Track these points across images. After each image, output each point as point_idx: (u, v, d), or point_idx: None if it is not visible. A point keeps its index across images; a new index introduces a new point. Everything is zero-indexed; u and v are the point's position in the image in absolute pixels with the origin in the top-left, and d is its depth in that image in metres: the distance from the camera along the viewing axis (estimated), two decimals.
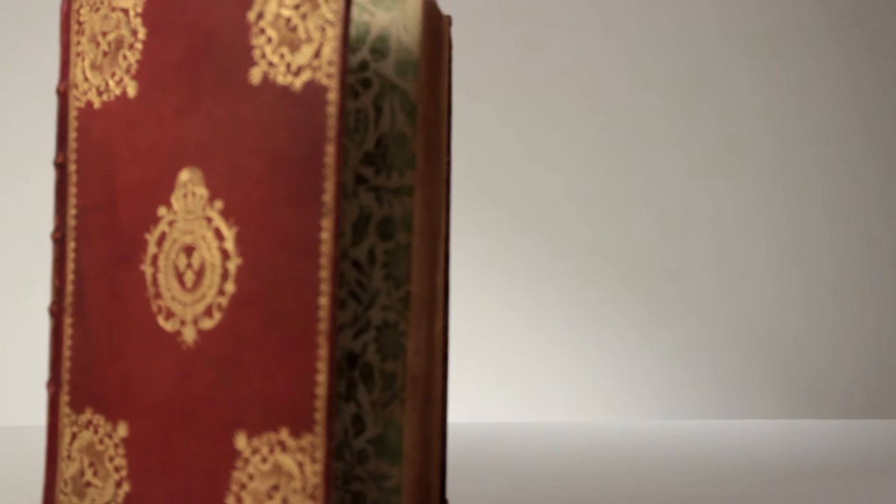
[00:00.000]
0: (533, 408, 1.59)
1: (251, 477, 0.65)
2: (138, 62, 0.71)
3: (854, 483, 1.01)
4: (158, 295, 0.69)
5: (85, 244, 0.73)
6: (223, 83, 0.67)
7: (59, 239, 0.74)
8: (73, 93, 0.74)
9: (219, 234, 0.67)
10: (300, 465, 0.63)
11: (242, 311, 0.66)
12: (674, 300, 1.66)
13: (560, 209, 1.63)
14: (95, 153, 0.73)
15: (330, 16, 0.63)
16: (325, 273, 0.63)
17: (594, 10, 1.65)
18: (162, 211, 0.69)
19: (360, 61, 0.70)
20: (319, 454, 0.63)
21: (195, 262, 0.68)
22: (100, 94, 0.73)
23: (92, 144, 0.73)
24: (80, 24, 0.74)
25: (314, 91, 0.64)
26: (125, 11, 0.72)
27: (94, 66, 0.73)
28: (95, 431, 0.72)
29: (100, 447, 0.72)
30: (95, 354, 0.72)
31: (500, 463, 1.12)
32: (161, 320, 0.69)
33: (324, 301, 0.63)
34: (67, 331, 0.73)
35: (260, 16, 0.66)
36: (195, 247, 0.68)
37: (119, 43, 0.72)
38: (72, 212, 0.74)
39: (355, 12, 0.70)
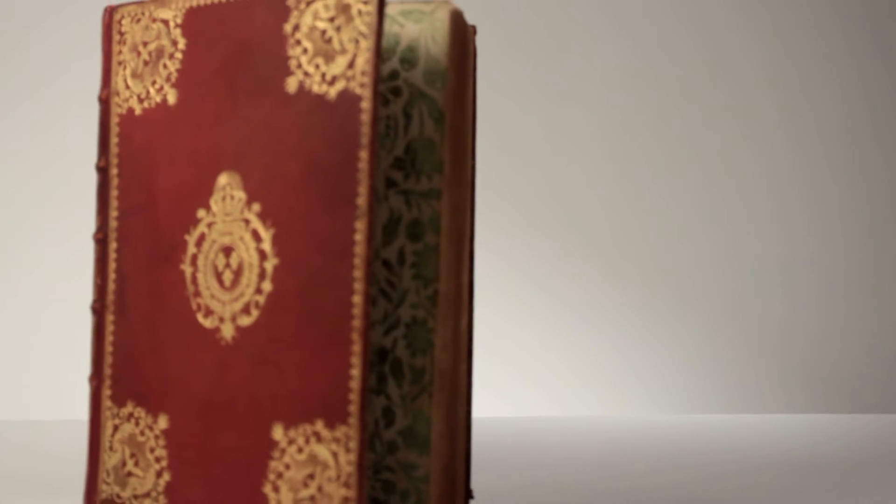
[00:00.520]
0: (553, 402, 1.61)
1: (288, 466, 0.68)
2: (178, 71, 0.74)
3: (866, 475, 1.03)
4: (198, 293, 0.72)
5: (126, 245, 0.76)
6: (260, 91, 0.70)
7: (101, 240, 0.77)
8: (115, 100, 0.77)
9: (256, 236, 0.70)
10: (335, 454, 0.66)
11: (279, 309, 0.69)
12: (691, 298, 1.68)
13: (579, 210, 1.65)
14: (136, 158, 0.76)
15: (363, 28, 0.66)
16: (358, 273, 0.66)
17: (613, 16, 1.67)
18: (201, 213, 0.72)
19: (390, 70, 0.73)
20: (353, 444, 0.66)
21: (233, 262, 0.71)
22: (141, 101, 0.76)
23: (133, 149, 0.76)
24: (121, 34, 0.77)
25: (348, 100, 0.67)
26: (165, 22, 0.75)
27: (135, 75, 0.76)
28: (136, 424, 0.75)
29: (141, 439, 0.75)
30: (136, 350, 0.75)
31: (522, 456, 1.14)
32: (200, 317, 0.72)
33: (357, 299, 0.66)
34: (109, 327, 0.76)
35: (296, 28, 0.69)
36: (233, 247, 0.71)
37: (159, 53, 0.75)
38: (113, 213, 0.77)
39: (386, 24, 0.73)
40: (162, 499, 0.73)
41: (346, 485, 0.66)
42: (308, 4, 0.68)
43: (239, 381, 0.70)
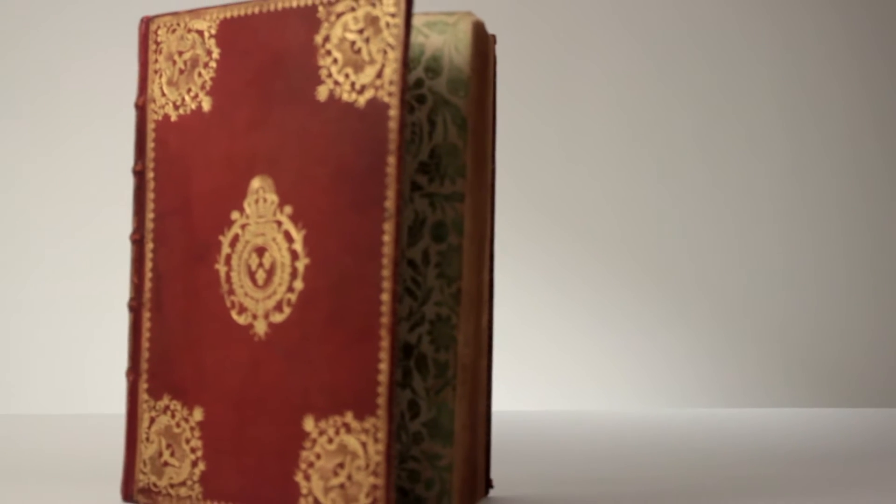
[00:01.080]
0: (565, 397, 1.64)
1: (318, 456, 0.71)
2: (212, 79, 0.77)
3: (867, 467, 1.04)
4: (232, 291, 0.75)
5: (162, 245, 0.79)
6: (292, 99, 0.73)
7: (138, 240, 0.80)
8: (151, 107, 0.80)
9: (288, 237, 0.73)
10: (364, 445, 0.69)
11: (310, 306, 0.72)
12: (697, 297, 1.70)
13: (590, 212, 1.67)
14: (172, 162, 0.79)
15: (391, 40, 0.70)
16: (386, 272, 0.69)
17: (623, 24, 1.70)
18: (235, 215, 0.75)
19: (415, 79, 0.76)
20: (381, 435, 0.69)
21: (266, 261, 0.74)
22: (176, 108, 0.79)
23: (168, 154, 0.79)
24: (157, 44, 0.80)
25: (376, 108, 0.70)
26: (200, 33, 0.78)
27: (170, 83, 0.79)
28: (172, 416, 0.78)
29: (177, 430, 0.78)
30: (172, 346, 0.78)
31: (537, 447, 1.16)
32: (234, 314, 0.75)
33: (385, 297, 0.69)
34: (146, 324, 0.80)
35: (326, 39, 0.72)
36: (266, 248, 0.74)
37: (194, 62, 0.78)
38: (150, 215, 0.80)
39: (412, 35, 0.76)
40: (197, 487, 0.76)
41: (375, 473, 0.69)
42: (338, 16, 0.72)
43: (272, 375, 0.73)
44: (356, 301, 0.70)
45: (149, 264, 0.80)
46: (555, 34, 1.67)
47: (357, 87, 0.71)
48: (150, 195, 0.80)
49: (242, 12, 0.76)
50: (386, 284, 0.69)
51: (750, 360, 1.70)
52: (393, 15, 0.69)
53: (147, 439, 0.79)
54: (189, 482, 0.77)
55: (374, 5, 0.70)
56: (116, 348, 1.50)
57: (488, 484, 0.84)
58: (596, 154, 1.67)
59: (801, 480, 0.96)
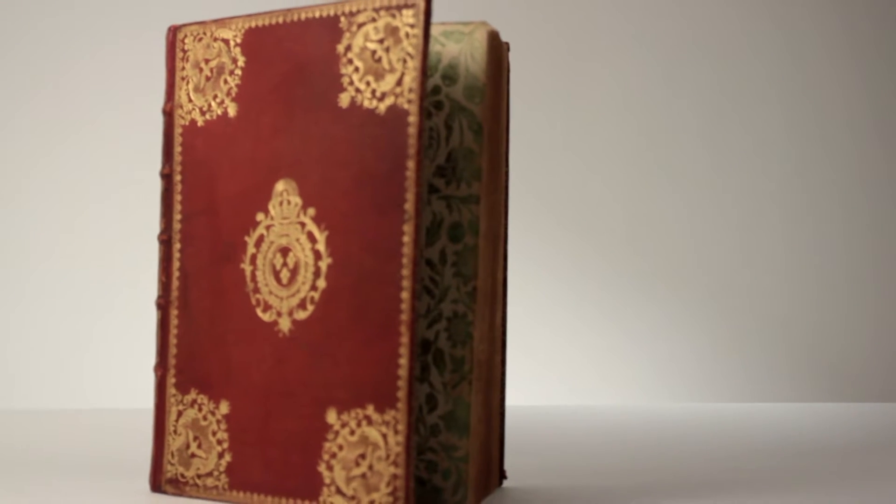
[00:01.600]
0: (573, 392, 1.66)
1: (341, 447, 0.74)
2: (238, 86, 0.80)
3: (868, 459, 1.06)
4: (257, 290, 0.78)
5: (189, 245, 0.82)
6: (315, 106, 0.76)
7: (166, 241, 0.83)
8: (178, 112, 0.83)
9: (311, 237, 0.76)
10: (384, 436, 0.72)
11: (333, 304, 0.75)
12: (703, 294, 1.72)
13: (600, 213, 1.69)
14: (198, 165, 0.82)
15: (410, 49, 0.72)
16: (406, 271, 0.72)
17: (631, 31, 1.72)
18: (260, 216, 0.78)
19: (433, 86, 0.79)
20: (401, 427, 0.71)
21: (290, 261, 0.77)
22: (202, 113, 0.82)
23: (195, 158, 0.82)
24: (184, 52, 0.83)
25: (396, 114, 0.73)
26: (226, 42, 0.81)
27: (197, 89, 0.82)
28: (199, 409, 0.81)
29: (203, 423, 0.81)
30: (199, 342, 0.81)
31: (548, 440, 1.17)
32: (259, 312, 0.78)
33: (405, 295, 0.72)
34: (173, 321, 0.82)
35: (348, 48, 0.75)
36: (290, 248, 0.77)
37: (220, 69, 0.81)
38: (177, 217, 0.83)
39: (429, 44, 0.79)
40: (223, 478, 0.79)
41: (395, 463, 0.71)
42: (359, 27, 0.75)
43: (295, 370, 0.76)
44: (377, 299, 0.73)
45: (176, 263, 0.82)
46: (565, 41, 1.70)
47: (378, 94, 0.74)
48: (178, 197, 0.83)
49: (267, 22, 0.79)
50: (406, 283, 0.72)
51: (754, 357, 1.72)
52: (412, 26, 0.72)
53: (175, 432, 0.82)
54: (215, 473, 0.80)
55: (394, 16, 0.73)
56: (147, 345, 1.53)
57: (502, 475, 0.87)
58: (604, 156, 1.70)
59: (804, 473, 0.98)
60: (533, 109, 1.66)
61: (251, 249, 0.79)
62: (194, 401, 0.81)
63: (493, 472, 0.84)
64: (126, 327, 1.54)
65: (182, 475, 0.81)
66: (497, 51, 0.80)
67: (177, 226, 0.83)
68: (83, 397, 1.53)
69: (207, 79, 0.81)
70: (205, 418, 0.80)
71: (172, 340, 0.82)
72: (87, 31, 1.57)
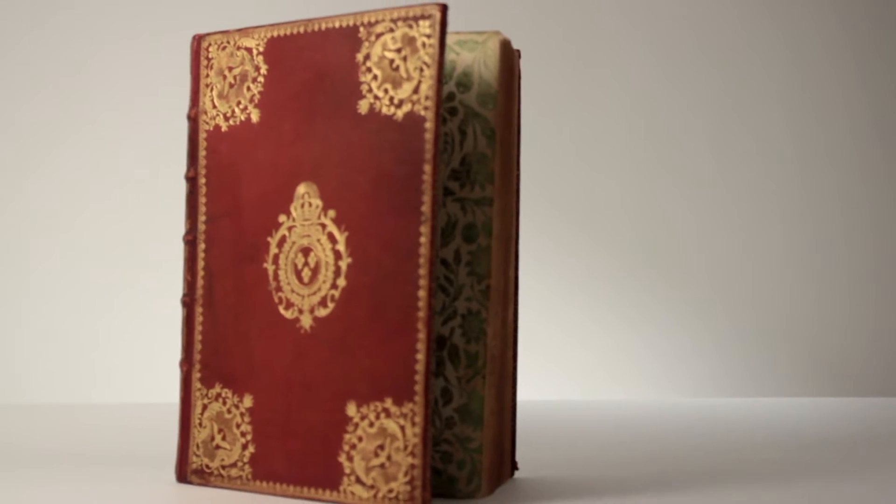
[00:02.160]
0: (581, 387, 1.68)
1: (360, 439, 0.76)
2: (260, 93, 0.83)
3: (869, 453, 1.07)
4: (279, 288, 0.81)
5: (214, 246, 0.85)
6: (335, 112, 0.79)
7: (191, 241, 0.86)
8: (203, 118, 0.86)
9: (332, 238, 0.79)
10: (402, 428, 0.75)
11: (352, 302, 0.78)
12: (708, 292, 1.73)
13: (608, 213, 1.71)
14: (222, 169, 0.85)
15: (427, 59, 0.76)
16: (423, 270, 0.75)
17: (637, 37, 1.74)
18: (282, 218, 0.81)
19: (447, 93, 0.82)
20: (419, 419, 0.74)
21: (311, 261, 0.80)
22: (226, 119, 0.85)
23: (219, 162, 0.85)
24: (208, 60, 0.86)
25: (413, 120, 0.76)
26: (249, 50, 0.84)
27: (221, 96, 0.85)
28: (224, 403, 0.84)
29: (228, 416, 0.84)
30: (223, 338, 0.84)
31: (557, 434, 1.19)
32: (281, 309, 0.81)
33: (422, 294, 0.75)
34: (198, 318, 0.86)
35: (367, 57, 0.78)
36: (311, 248, 0.80)
37: (243, 77, 0.84)
38: (202, 218, 0.86)
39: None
40: (247, 468, 0.82)
41: (412, 454, 0.74)
42: (378, 37, 0.78)
43: (316, 365, 0.79)
44: (395, 297, 0.76)
45: (201, 263, 0.86)
46: (574, 47, 1.72)
47: (395, 101, 0.77)
48: (202, 199, 0.86)
49: (288, 31, 0.82)
50: (422, 282, 0.75)
51: (757, 353, 1.74)
52: (429, 36, 0.75)
53: (200, 424, 0.85)
54: (239, 463, 0.83)
55: (411, 27, 0.76)
56: (172, 341, 1.56)
57: (514, 466, 0.90)
58: (611, 159, 1.72)
59: (807, 465, 0.99)
60: (543, 114, 1.69)
61: (274, 249, 0.82)
62: (219, 395, 0.84)
63: (506, 462, 0.87)
64: (149, 325, 1.57)
65: (207, 466, 0.84)
66: (509, 59, 0.83)
67: (201, 227, 0.86)
68: (112, 392, 1.56)
69: (231, 86, 0.85)
70: (229, 411, 0.83)
71: (197, 337, 0.85)
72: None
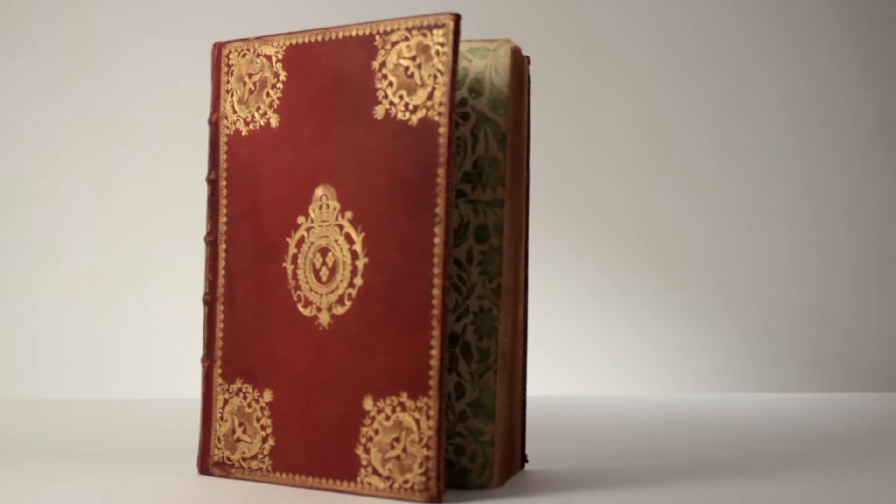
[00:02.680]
0: (588, 383, 1.70)
1: (377, 431, 0.79)
2: (279, 99, 0.86)
3: (872, 447, 1.08)
4: (298, 287, 0.84)
5: (234, 246, 0.88)
6: (352, 117, 0.82)
7: (212, 242, 0.89)
8: (224, 123, 0.89)
9: (349, 239, 0.82)
10: (417, 421, 0.77)
11: (369, 300, 0.80)
12: (712, 289, 1.75)
13: (614, 214, 1.73)
14: (243, 172, 0.88)
15: (441, 66, 0.78)
16: (437, 270, 0.77)
17: (641, 40, 1.76)
18: (301, 219, 0.84)
19: (460, 99, 0.85)
20: (433, 412, 0.77)
21: (329, 260, 0.82)
22: (246, 123, 0.88)
23: (240, 165, 0.88)
24: (229, 66, 0.89)
25: (428, 126, 0.79)
26: (268, 57, 0.87)
27: (241, 101, 0.88)
28: (244, 397, 0.87)
29: (248, 410, 0.86)
30: (244, 335, 0.87)
31: (564, 428, 1.20)
32: (300, 307, 0.84)
33: (436, 292, 0.77)
34: (219, 316, 0.88)
35: (383, 64, 0.81)
36: (329, 248, 0.83)
37: (263, 83, 0.87)
38: (223, 219, 0.89)
39: None
40: (267, 461, 0.85)
41: (427, 446, 0.77)
42: (393, 45, 0.81)
43: (334, 361, 0.82)
44: (410, 295, 0.78)
45: (222, 263, 0.88)
46: (580, 52, 1.74)
47: (410, 107, 0.79)
48: (223, 201, 0.88)
49: (307, 39, 0.85)
50: (436, 280, 0.77)
51: (761, 348, 1.76)
52: (442, 44, 0.78)
53: (221, 418, 0.88)
54: (260, 456, 0.85)
55: (425, 35, 0.79)
56: (194, 338, 1.58)
57: (524, 459, 0.92)
58: (618, 161, 1.74)
59: (810, 459, 1.01)
60: (552, 118, 1.71)
61: (293, 250, 0.84)
62: (239, 389, 0.87)
63: (516, 455, 0.90)
64: (170, 323, 1.60)
65: (228, 458, 0.87)
66: (519, 65, 0.86)
67: (222, 228, 0.88)
68: (135, 387, 1.58)
69: (251, 92, 0.87)
70: (249, 406, 0.86)
71: (219, 334, 0.88)
72: (139, 51, 1.63)
